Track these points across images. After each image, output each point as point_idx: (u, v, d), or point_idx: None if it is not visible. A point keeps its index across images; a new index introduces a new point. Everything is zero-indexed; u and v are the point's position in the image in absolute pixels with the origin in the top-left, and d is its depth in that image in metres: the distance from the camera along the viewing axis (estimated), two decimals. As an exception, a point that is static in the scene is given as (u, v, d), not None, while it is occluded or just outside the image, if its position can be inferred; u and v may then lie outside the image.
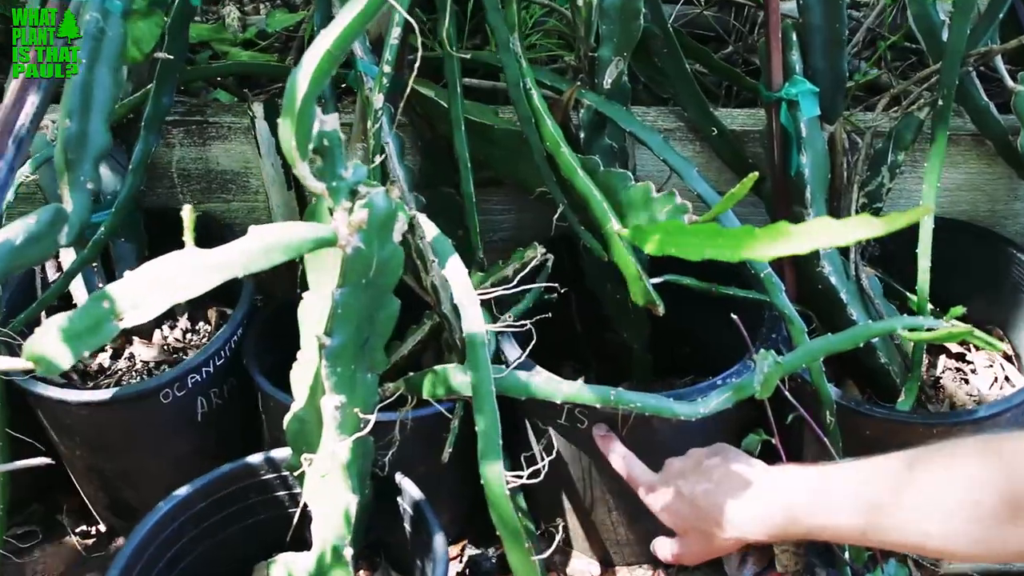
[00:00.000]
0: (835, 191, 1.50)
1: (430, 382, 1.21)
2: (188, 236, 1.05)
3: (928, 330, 1.24)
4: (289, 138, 0.94)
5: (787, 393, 1.27)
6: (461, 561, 1.56)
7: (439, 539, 1.18)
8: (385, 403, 1.26)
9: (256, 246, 0.99)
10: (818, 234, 0.74)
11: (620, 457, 1.26)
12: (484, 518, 1.11)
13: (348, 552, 1.14)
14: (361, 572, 1.33)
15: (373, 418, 1.12)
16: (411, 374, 1.23)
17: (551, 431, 1.25)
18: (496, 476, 1.08)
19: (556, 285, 1.30)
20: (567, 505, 1.52)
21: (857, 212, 1.50)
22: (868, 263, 1.54)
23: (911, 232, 1.51)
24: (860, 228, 0.71)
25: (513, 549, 1.11)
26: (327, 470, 1.13)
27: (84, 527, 1.69)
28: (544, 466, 1.15)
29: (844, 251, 1.50)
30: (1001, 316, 1.63)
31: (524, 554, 1.11)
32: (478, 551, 1.56)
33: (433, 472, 1.36)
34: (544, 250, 1.39)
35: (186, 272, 0.94)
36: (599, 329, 1.61)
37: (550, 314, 1.35)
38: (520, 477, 1.14)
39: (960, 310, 1.24)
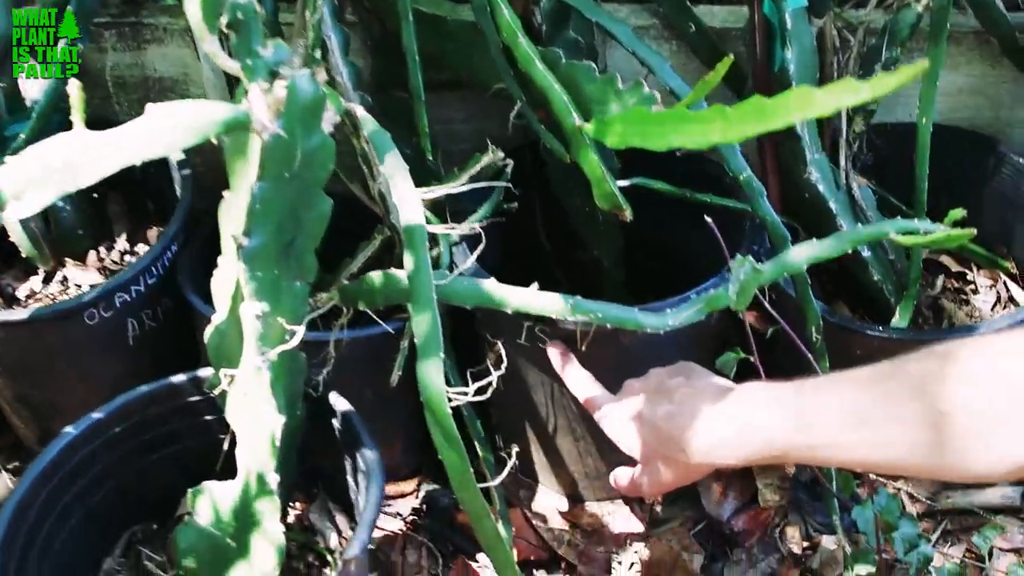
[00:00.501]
0: (824, 93, 1.36)
1: (367, 290, 1.09)
2: (77, 116, 0.92)
3: (925, 234, 1.12)
4: (195, 8, 0.82)
5: (767, 305, 1.15)
6: (417, 497, 1.45)
7: (371, 455, 1.07)
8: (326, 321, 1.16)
9: (155, 127, 0.88)
10: (798, 105, 0.64)
11: (576, 379, 1.13)
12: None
13: (273, 479, 1.02)
14: (297, 504, 1.21)
15: (301, 330, 1.01)
16: (346, 282, 1.11)
17: (500, 344, 1.13)
18: (436, 383, 0.96)
19: (511, 185, 1.19)
20: (531, 435, 1.40)
21: (849, 116, 1.37)
22: (860, 173, 1.40)
23: (907, 139, 1.38)
24: (845, 94, 0.60)
25: (457, 473, 0.99)
26: (249, 387, 1.02)
27: (17, 463, 1.58)
28: (494, 380, 1.03)
29: (834, 158, 1.37)
30: (1006, 232, 1.50)
31: (469, 478, 0.99)
32: (436, 487, 1.45)
33: (383, 398, 1.24)
34: (503, 154, 1.27)
35: (75, 156, 0.83)
36: (568, 247, 1.48)
37: (505, 219, 1.25)
38: (466, 393, 1.03)
39: (960, 212, 1.11)
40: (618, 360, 1.20)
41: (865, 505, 1.20)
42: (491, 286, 1.06)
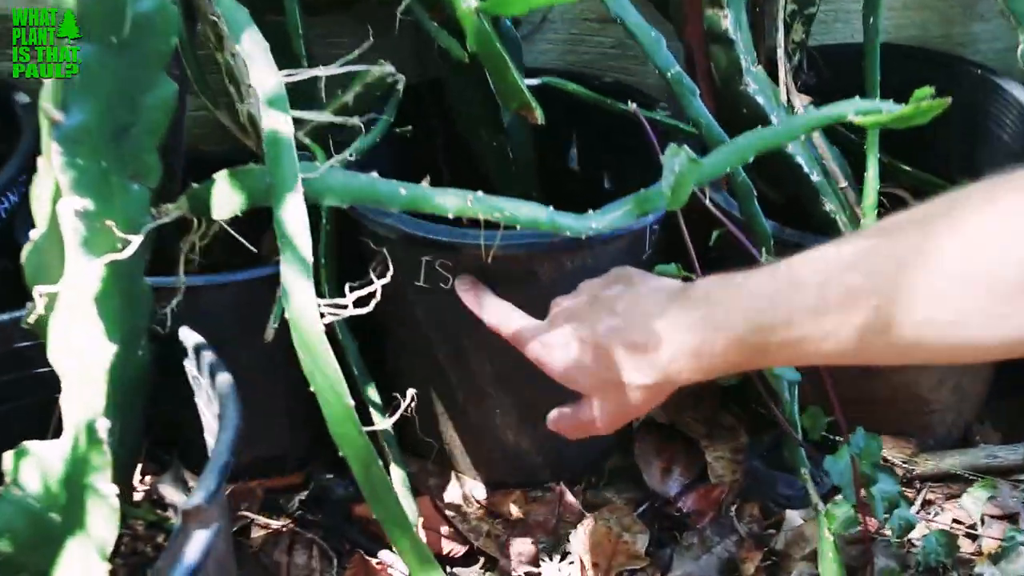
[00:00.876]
0: (759, -1, 1.21)
1: (221, 191, 0.89)
2: None
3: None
4: None
5: (710, 205, 0.97)
6: (307, 489, 1.22)
7: (225, 383, 0.85)
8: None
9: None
10: None
11: (496, 310, 0.93)
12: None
13: (103, 425, 0.80)
14: (147, 478, 0.99)
15: (138, 239, 0.81)
16: (196, 185, 0.90)
17: (385, 251, 0.94)
18: (302, 292, 0.76)
19: (396, 75, 1.02)
20: (439, 407, 1.19)
21: (786, 20, 1.21)
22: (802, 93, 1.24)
23: (851, 60, 1.23)
24: None
25: (330, 402, 0.78)
26: (72, 309, 0.81)
27: None
28: (377, 290, 0.83)
29: (772, 74, 1.20)
30: (967, 160, 1.34)
31: (347, 410, 0.79)
32: (329, 476, 1.23)
33: (263, 368, 1.04)
34: (393, 69, 1.08)
35: None
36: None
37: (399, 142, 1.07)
38: (344, 307, 0.83)
39: (928, 90, 0.94)
40: (537, 301, 1.01)
41: (840, 454, 1.00)
42: (372, 179, 0.87)
